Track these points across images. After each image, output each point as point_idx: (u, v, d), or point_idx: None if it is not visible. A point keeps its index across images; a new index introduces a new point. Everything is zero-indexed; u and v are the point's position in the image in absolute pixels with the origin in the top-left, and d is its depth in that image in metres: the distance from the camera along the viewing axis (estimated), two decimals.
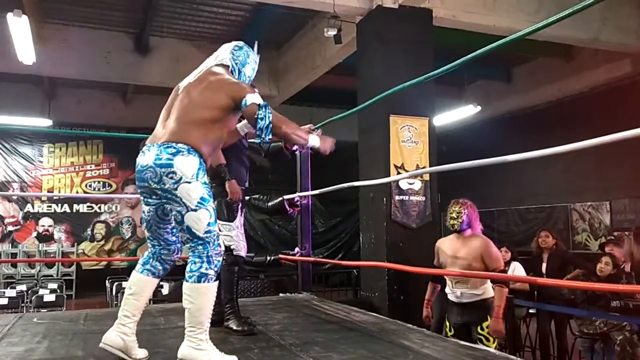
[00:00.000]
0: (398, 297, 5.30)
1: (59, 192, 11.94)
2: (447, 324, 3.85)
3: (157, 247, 2.48)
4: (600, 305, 4.69)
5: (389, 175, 5.29)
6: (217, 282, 2.30)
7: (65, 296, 7.40)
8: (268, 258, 4.36)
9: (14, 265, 11.19)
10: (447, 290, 3.82)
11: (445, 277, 3.82)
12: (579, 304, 5.02)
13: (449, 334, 3.77)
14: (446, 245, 3.87)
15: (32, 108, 10.57)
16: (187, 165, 2.26)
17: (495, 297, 3.57)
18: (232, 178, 3.13)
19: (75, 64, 8.65)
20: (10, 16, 6.00)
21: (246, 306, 3.85)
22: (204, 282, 2.24)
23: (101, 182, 12.35)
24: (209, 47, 9.08)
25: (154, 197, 2.35)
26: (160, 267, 2.48)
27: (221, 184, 3.20)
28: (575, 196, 10.12)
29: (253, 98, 2.37)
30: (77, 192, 12.04)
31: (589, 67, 9.08)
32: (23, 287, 8.07)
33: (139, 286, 2.43)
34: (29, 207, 11.79)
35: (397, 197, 5.53)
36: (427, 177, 5.70)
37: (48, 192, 11.84)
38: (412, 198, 5.60)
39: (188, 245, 2.32)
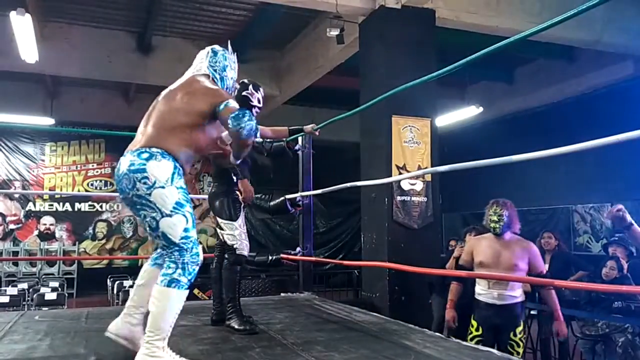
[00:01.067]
0: (399, 297, 5.30)
1: (61, 190, 11.95)
2: (474, 323, 3.69)
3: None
4: (603, 307, 4.68)
5: (390, 176, 5.29)
6: (186, 292, 2.21)
7: (66, 295, 7.40)
8: (270, 258, 4.37)
9: (16, 264, 11.21)
10: (480, 290, 3.68)
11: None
12: (581, 305, 5.01)
13: (474, 333, 3.65)
14: (485, 245, 3.70)
15: (35, 107, 10.59)
16: (161, 169, 2.20)
17: (551, 300, 3.58)
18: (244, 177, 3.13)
19: (78, 63, 8.66)
20: (13, 15, 6.02)
21: (248, 305, 3.86)
22: (173, 287, 2.16)
23: (103, 181, 12.36)
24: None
25: (135, 206, 2.26)
26: None
27: (225, 183, 3.20)
28: (577, 198, 10.10)
29: (229, 103, 2.33)
30: (78, 191, 12.07)
31: (592, 69, 9.07)
32: (24, 286, 8.09)
33: (149, 278, 2.36)
34: (30, 206, 11.80)
35: (398, 198, 5.53)
36: (428, 178, 5.70)
37: (50, 190, 11.86)
38: (413, 199, 5.60)
39: (165, 251, 2.25)
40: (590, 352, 4.87)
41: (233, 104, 2.34)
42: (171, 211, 2.19)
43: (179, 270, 2.18)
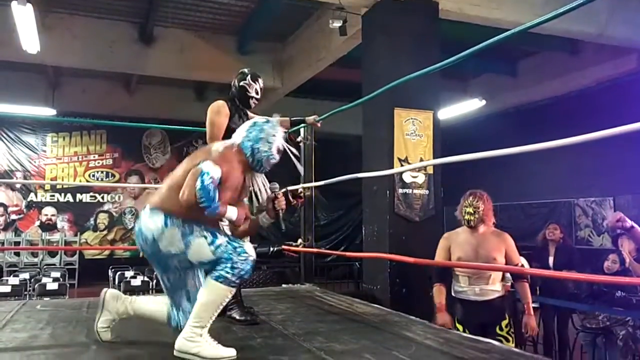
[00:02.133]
0: (400, 289, 5.30)
1: (62, 181, 11.97)
2: (459, 327, 3.51)
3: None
4: (604, 300, 4.69)
5: (392, 169, 5.28)
6: (233, 289, 2.29)
7: (68, 285, 7.41)
8: (271, 249, 4.36)
9: (17, 254, 11.23)
10: (459, 288, 3.54)
11: (456, 274, 3.56)
12: (582, 298, 5.02)
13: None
14: (461, 240, 3.58)
15: (36, 97, 10.58)
16: (151, 223, 2.30)
17: (523, 293, 3.49)
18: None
19: (80, 54, 8.64)
20: (14, 4, 5.99)
21: (249, 296, 3.87)
22: (220, 282, 2.25)
23: (104, 172, 12.37)
24: (213, 38, 9.20)
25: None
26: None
27: None
28: (579, 192, 10.09)
29: (206, 166, 2.26)
30: (80, 182, 12.08)
31: (595, 62, 9.04)
32: (26, 276, 8.09)
33: (156, 308, 2.51)
34: (32, 196, 11.82)
35: (400, 190, 5.52)
36: (430, 171, 5.69)
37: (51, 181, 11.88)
38: (415, 191, 5.60)
39: (216, 267, 2.30)
40: (591, 345, 4.88)
41: (207, 167, 2.27)
42: (185, 244, 2.28)
43: (228, 268, 2.25)
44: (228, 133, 3.00)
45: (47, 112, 10.38)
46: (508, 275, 3.57)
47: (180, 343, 2.27)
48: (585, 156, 9.16)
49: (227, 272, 2.24)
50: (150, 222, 2.30)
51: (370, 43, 6.10)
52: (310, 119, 3.96)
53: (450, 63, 2.94)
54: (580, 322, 4.98)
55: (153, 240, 2.29)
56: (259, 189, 2.69)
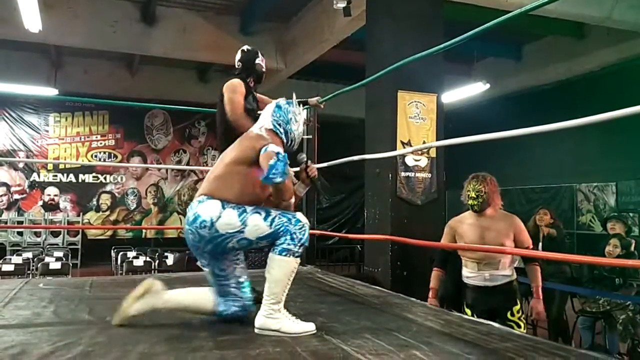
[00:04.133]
0: (401, 272, 5.32)
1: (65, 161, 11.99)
2: (468, 311, 3.43)
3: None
4: (605, 285, 4.71)
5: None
6: (297, 259, 2.38)
7: (70, 264, 7.47)
8: None
9: (20, 234, 11.30)
10: (469, 274, 3.45)
11: (464, 260, 3.47)
12: (583, 283, 5.04)
13: None
14: (467, 225, 3.48)
15: (38, 77, 10.53)
16: (208, 209, 2.38)
17: (534, 277, 3.38)
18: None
19: (82, 33, 8.58)
20: None
21: (252, 277, 3.87)
22: (284, 255, 2.35)
23: (107, 153, 12.37)
24: (215, 18, 9.13)
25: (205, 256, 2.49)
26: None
27: None
28: (581, 177, 10.07)
29: (274, 147, 2.43)
30: (82, 162, 12.10)
31: (601, 47, 8.94)
32: (29, 255, 8.15)
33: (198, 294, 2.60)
34: (34, 176, 11.84)
35: (402, 174, 5.52)
36: (433, 154, 5.68)
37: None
38: (417, 175, 5.59)
39: (277, 242, 2.38)
40: (588, 330, 4.91)
41: (275, 148, 2.43)
42: (242, 224, 2.35)
43: (288, 240, 2.36)
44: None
45: (49, 92, 10.34)
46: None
47: (262, 321, 2.36)
48: (588, 141, 9.13)
49: (289, 244, 2.35)
50: (206, 209, 2.38)
51: (374, 24, 6.04)
52: (313, 100, 3.96)
53: (454, 44, 2.92)
54: (581, 306, 5.00)
55: (211, 224, 2.35)
56: None
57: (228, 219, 2.35)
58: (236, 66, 3.44)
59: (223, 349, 2.12)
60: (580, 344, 4.84)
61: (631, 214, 8.93)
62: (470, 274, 3.45)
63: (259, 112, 3.05)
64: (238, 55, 3.45)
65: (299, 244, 2.37)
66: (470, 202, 3.44)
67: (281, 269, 2.36)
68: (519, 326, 3.28)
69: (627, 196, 9.35)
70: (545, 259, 3.86)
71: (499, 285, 3.35)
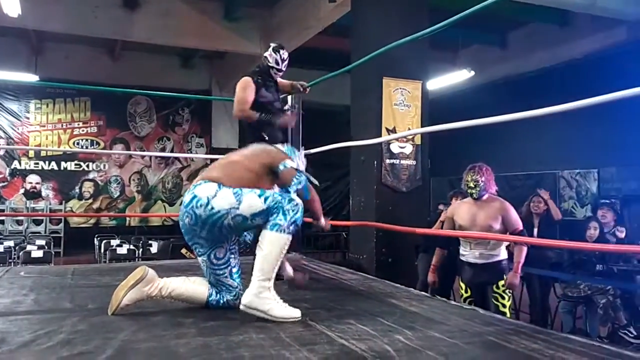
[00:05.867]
0: (386, 259, 5.34)
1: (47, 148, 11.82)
2: (462, 285, 3.91)
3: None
4: (586, 270, 4.77)
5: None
6: (288, 236, 2.38)
7: (53, 253, 7.39)
8: None
9: (2, 222, 11.14)
10: (464, 252, 3.86)
11: (461, 239, 3.88)
12: (564, 268, 5.10)
13: (464, 295, 3.88)
14: (463, 210, 3.88)
15: (18, 63, 10.36)
16: (205, 189, 2.39)
17: (516, 253, 3.75)
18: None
19: (62, 18, 8.43)
20: None
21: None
22: (275, 230, 2.34)
23: (89, 140, 12.22)
24: (199, 3, 9.01)
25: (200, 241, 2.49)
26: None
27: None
28: (564, 164, 10.17)
29: (291, 163, 2.62)
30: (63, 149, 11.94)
31: (585, 34, 9.00)
32: (10, 243, 8.04)
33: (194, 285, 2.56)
34: (15, 164, 11.67)
35: (387, 161, 5.52)
36: (418, 141, 5.68)
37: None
38: (402, 162, 5.60)
39: (269, 218, 2.39)
40: (570, 314, 4.98)
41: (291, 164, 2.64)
42: (237, 200, 2.36)
43: (280, 215, 2.35)
44: (255, 106, 3.47)
45: (29, 78, 10.16)
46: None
47: (249, 299, 2.33)
48: (571, 128, 9.19)
49: (280, 220, 2.34)
50: (203, 189, 2.40)
51: (359, 11, 6.01)
52: (297, 84, 3.98)
53: (438, 29, 2.92)
54: (562, 291, 5.07)
55: (207, 202, 2.35)
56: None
57: (223, 196, 2.36)
58: None
59: (206, 335, 2.11)
60: (561, 328, 4.91)
61: (613, 200, 9.05)
62: (464, 252, 3.87)
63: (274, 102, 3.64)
64: None
65: (291, 221, 2.36)
66: (469, 191, 3.82)
67: (272, 244, 2.35)
68: (503, 298, 3.73)
69: (609, 182, 9.47)
70: (530, 244, 3.97)
71: (488, 263, 3.75)
